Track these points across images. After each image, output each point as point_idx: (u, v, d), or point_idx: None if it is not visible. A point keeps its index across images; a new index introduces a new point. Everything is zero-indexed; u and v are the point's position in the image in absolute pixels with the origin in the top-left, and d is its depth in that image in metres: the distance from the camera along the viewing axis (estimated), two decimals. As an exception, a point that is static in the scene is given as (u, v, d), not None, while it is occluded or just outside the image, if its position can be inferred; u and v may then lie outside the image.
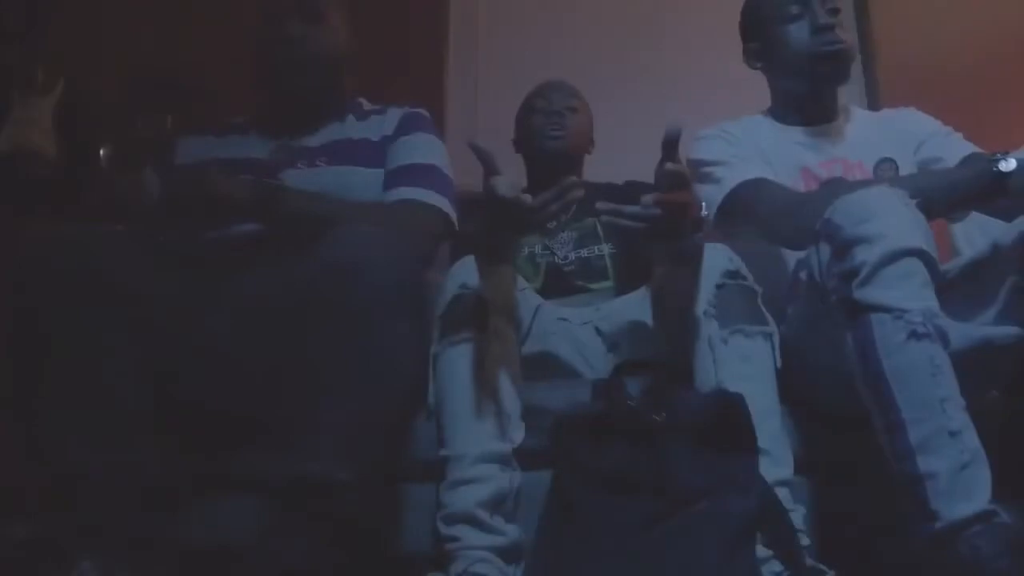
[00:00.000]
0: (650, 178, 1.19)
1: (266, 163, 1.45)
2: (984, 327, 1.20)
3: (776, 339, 1.24)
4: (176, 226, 1.37)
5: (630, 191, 1.68)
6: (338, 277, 1.10)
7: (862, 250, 1.06)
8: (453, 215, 1.47)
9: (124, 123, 1.89)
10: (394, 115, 1.54)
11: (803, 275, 1.21)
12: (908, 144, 1.53)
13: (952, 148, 1.48)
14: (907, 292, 1.04)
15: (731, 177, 1.46)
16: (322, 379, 1.08)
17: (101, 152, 1.88)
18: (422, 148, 1.50)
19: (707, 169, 1.51)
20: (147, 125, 1.87)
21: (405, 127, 1.52)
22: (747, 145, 1.52)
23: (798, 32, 1.50)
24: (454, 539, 1.12)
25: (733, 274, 1.25)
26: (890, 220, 1.06)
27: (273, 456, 1.07)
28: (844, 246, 1.08)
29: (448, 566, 1.11)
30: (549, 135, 1.81)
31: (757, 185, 1.43)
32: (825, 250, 1.12)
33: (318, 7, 1.51)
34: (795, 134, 1.56)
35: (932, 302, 1.05)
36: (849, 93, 1.83)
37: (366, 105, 1.60)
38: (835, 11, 1.49)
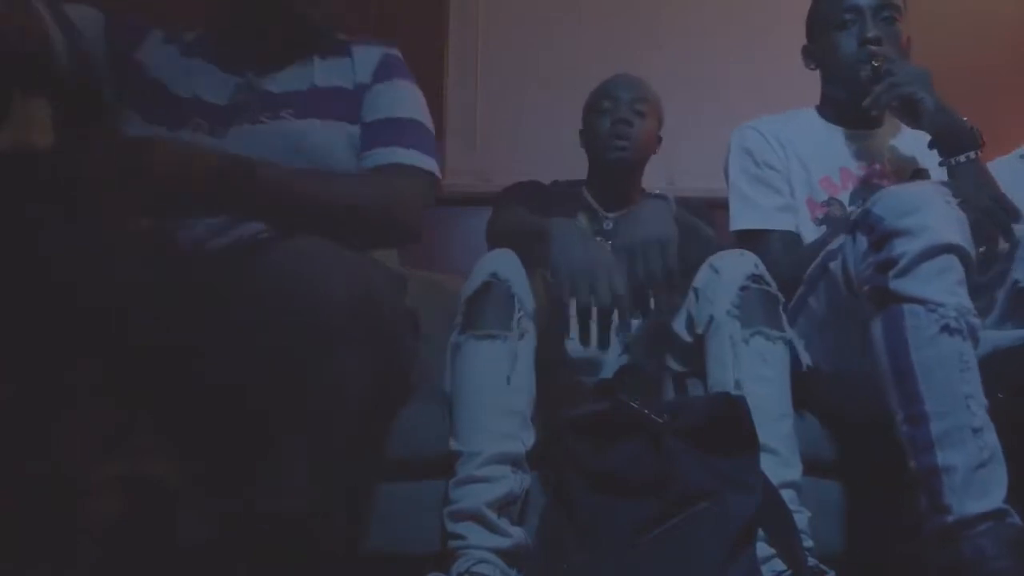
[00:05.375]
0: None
1: (223, 109, 1.26)
2: (988, 332, 1.20)
3: (797, 345, 1.25)
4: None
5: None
6: (282, 305, 0.96)
7: (903, 242, 1.06)
8: (438, 174, 1.33)
9: None
10: (370, 56, 1.36)
11: (832, 265, 1.22)
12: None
13: None
14: (943, 287, 1.05)
15: (738, 217, 1.57)
16: (270, 412, 0.98)
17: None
18: (402, 99, 1.35)
19: (730, 185, 1.61)
20: None
21: (382, 73, 1.35)
22: (788, 149, 1.57)
23: (846, 41, 1.53)
24: (459, 537, 1.12)
25: (757, 278, 1.26)
26: (933, 215, 1.07)
27: (229, 491, 1.00)
28: (884, 237, 1.08)
29: (450, 565, 1.11)
30: (614, 145, 1.71)
31: (755, 239, 1.51)
32: (862, 241, 1.12)
33: None
34: (839, 134, 1.60)
35: (967, 300, 1.06)
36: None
37: (333, 38, 1.40)
38: (890, 20, 1.51)
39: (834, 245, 1.22)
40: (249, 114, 1.26)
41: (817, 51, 1.62)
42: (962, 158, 1.36)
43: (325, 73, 1.34)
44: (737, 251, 1.31)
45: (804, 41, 1.68)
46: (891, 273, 1.06)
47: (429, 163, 1.31)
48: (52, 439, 1.02)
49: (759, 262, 1.28)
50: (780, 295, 1.27)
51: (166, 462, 1.19)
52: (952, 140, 1.38)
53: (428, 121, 1.36)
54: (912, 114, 1.40)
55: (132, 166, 1.03)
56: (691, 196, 1.88)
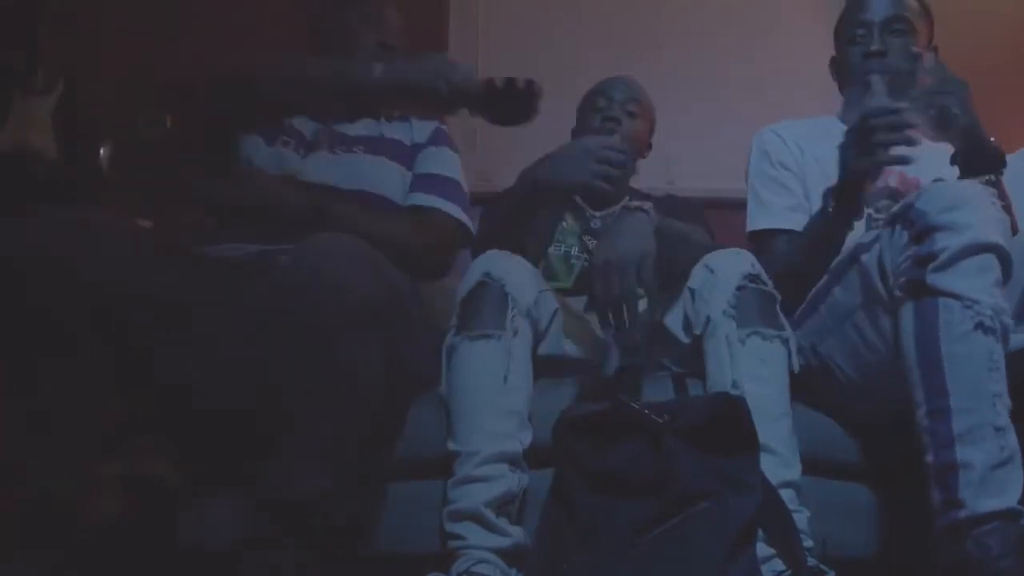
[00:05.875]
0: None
1: (307, 141, 1.54)
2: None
3: (793, 344, 1.25)
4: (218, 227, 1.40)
5: (668, 203, 1.68)
6: (304, 293, 1.05)
7: (945, 236, 1.06)
8: (472, 227, 1.60)
9: (126, 124, 1.89)
10: (426, 126, 1.67)
11: (865, 258, 1.21)
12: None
13: None
14: (981, 285, 1.05)
15: (754, 217, 1.59)
16: (292, 399, 1.04)
17: (101, 152, 1.87)
18: (448, 163, 1.64)
19: (748, 187, 1.63)
20: (147, 127, 1.87)
21: (435, 139, 1.66)
22: (807, 151, 1.58)
23: (855, 55, 1.55)
24: (458, 537, 1.12)
25: (753, 278, 1.25)
26: (977, 213, 1.07)
27: (249, 474, 1.04)
28: (925, 231, 1.08)
29: (450, 565, 1.11)
30: None
31: (765, 239, 1.54)
32: (902, 234, 1.12)
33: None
34: None
35: (1003, 301, 1.06)
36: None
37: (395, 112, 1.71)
38: (900, 32, 1.53)
39: (866, 238, 1.22)
40: (327, 145, 1.54)
41: (836, 63, 1.66)
42: (982, 180, 1.34)
43: (389, 130, 1.64)
44: (732, 250, 1.30)
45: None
46: (930, 267, 1.06)
47: (460, 214, 1.59)
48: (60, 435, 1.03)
49: (755, 261, 1.27)
50: (777, 293, 1.27)
51: (166, 462, 1.20)
52: (976, 159, 1.36)
53: (464, 184, 1.65)
54: (942, 126, 1.38)
55: (255, 197, 1.40)
56: (690, 196, 1.88)
